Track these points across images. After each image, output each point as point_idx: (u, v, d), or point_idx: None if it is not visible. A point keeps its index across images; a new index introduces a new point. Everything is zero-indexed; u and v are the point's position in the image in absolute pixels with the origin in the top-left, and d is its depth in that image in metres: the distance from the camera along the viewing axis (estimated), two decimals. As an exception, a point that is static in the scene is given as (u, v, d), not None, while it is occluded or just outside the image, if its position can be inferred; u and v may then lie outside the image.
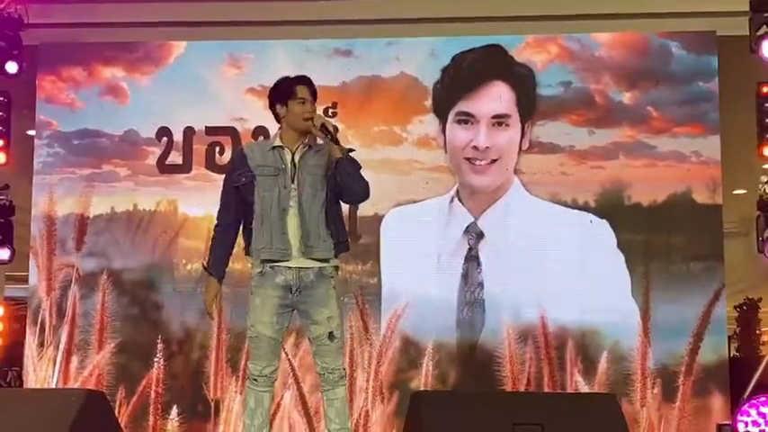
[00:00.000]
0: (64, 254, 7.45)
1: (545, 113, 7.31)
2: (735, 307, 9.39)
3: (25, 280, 7.55)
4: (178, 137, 7.48)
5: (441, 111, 7.30)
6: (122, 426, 5.86)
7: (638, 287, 7.06)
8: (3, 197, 7.03)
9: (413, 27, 7.45)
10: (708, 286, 7.03)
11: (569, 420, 4.41)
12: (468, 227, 7.20)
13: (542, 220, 7.17)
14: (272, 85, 4.61)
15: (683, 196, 7.16)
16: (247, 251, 4.53)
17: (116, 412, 6.79)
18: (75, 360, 7.32)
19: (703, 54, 7.27)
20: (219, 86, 7.51)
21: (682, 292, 7.05)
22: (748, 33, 6.43)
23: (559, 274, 7.04)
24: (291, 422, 7.11)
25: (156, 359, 7.24)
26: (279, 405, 7.03)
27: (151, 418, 7.20)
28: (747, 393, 6.49)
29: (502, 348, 7.06)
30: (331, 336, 4.40)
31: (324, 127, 4.39)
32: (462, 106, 7.25)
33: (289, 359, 6.95)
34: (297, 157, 4.47)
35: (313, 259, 4.41)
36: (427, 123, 7.36)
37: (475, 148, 7.20)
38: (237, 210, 4.51)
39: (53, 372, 7.30)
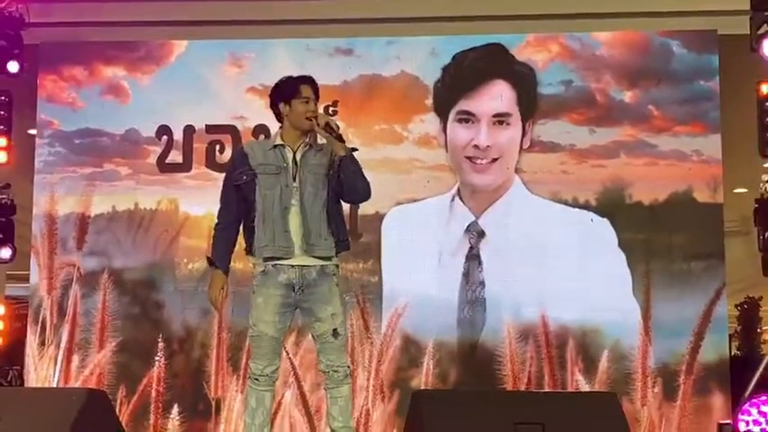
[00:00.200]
0: (65, 253, 7.46)
1: (546, 112, 7.31)
2: (736, 306, 9.41)
3: (26, 279, 7.56)
4: (178, 135, 7.48)
5: (441, 110, 7.30)
6: (123, 425, 5.85)
7: (639, 286, 7.06)
8: (4, 196, 7.04)
9: (413, 26, 7.46)
10: (709, 285, 7.03)
11: (570, 419, 4.41)
12: (468, 226, 7.20)
13: (543, 219, 7.17)
14: (273, 84, 4.61)
15: (683, 195, 7.16)
16: (248, 250, 4.53)
17: (117, 411, 6.78)
18: (76, 359, 7.33)
19: (704, 53, 7.27)
20: (220, 85, 7.52)
21: (683, 291, 7.05)
22: (749, 32, 6.42)
23: (560, 272, 7.04)
24: (292, 421, 7.12)
25: (156, 358, 7.24)
26: (280, 404, 7.03)
27: (152, 417, 7.20)
28: (748, 392, 6.49)
29: (502, 347, 7.06)
30: (335, 333, 4.41)
31: (328, 125, 4.40)
32: (463, 105, 7.25)
33: (290, 358, 6.95)
34: (298, 156, 4.48)
35: (315, 257, 4.41)
36: (428, 122, 7.36)
37: (476, 146, 7.20)
38: (238, 208, 4.52)
39: (54, 371, 7.30)
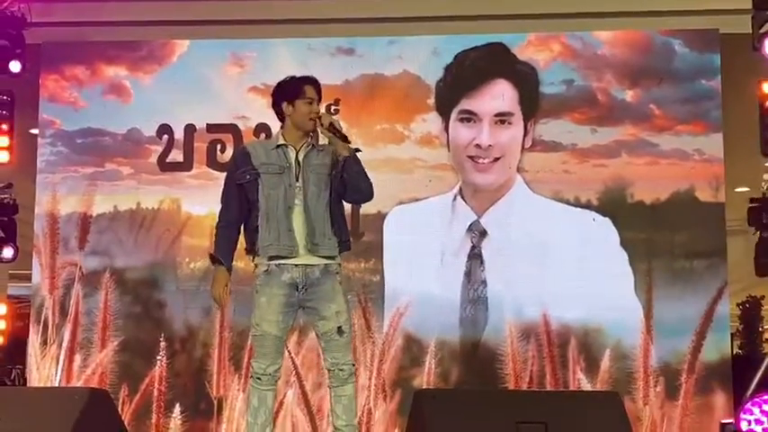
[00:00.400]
0: (67, 252, 7.46)
1: (548, 111, 7.31)
2: (737, 304, 9.40)
3: (28, 278, 7.57)
4: (179, 134, 7.49)
5: (443, 109, 7.31)
6: (125, 424, 5.86)
7: (641, 285, 7.06)
8: (6, 196, 7.04)
9: (415, 25, 7.46)
10: (710, 284, 7.04)
11: (573, 419, 4.41)
12: (471, 225, 7.20)
13: (545, 219, 7.17)
14: (276, 84, 4.61)
15: (685, 194, 7.16)
16: (249, 250, 4.53)
17: (119, 410, 6.78)
18: (78, 358, 7.33)
19: (706, 52, 7.26)
20: (222, 85, 7.52)
21: (684, 290, 7.06)
22: (751, 31, 6.42)
23: (562, 272, 7.05)
24: (294, 420, 7.12)
25: (158, 357, 7.24)
26: (282, 403, 7.04)
27: (154, 417, 7.21)
28: (750, 391, 6.48)
29: (504, 346, 7.06)
30: (340, 330, 4.42)
31: (332, 126, 4.41)
32: (465, 104, 7.25)
33: (291, 357, 6.96)
34: (301, 156, 4.49)
35: (319, 256, 4.42)
36: (430, 122, 7.36)
37: (478, 146, 7.20)
38: (240, 207, 4.52)
39: (56, 370, 7.31)
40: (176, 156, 7.50)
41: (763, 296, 9.53)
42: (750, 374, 6.75)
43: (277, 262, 4.41)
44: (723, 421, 6.62)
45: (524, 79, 7.26)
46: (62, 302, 7.38)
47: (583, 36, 7.39)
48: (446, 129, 7.30)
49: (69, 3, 7.46)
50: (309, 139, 4.54)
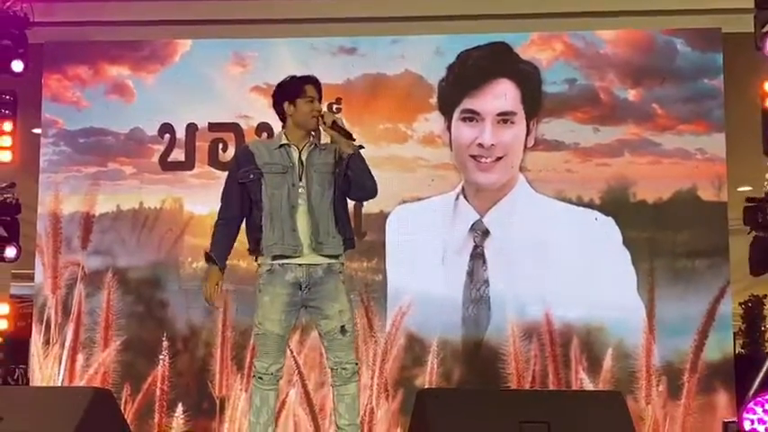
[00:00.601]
0: (69, 252, 7.46)
1: (550, 111, 7.30)
2: (740, 304, 9.41)
3: (31, 278, 7.57)
4: (180, 133, 7.49)
5: (446, 108, 7.30)
6: (128, 423, 5.86)
7: (644, 284, 7.06)
8: (9, 195, 7.03)
9: (418, 25, 7.45)
10: (713, 283, 7.04)
11: (575, 418, 4.41)
12: (473, 224, 7.20)
13: (547, 218, 7.17)
14: (276, 84, 4.62)
15: (688, 193, 7.16)
16: (252, 250, 4.53)
17: (122, 410, 6.80)
18: (80, 358, 7.33)
19: (708, 51, 7.26)
20: (224, 85, 7.52)
21: (687, 289, 7.05)
22: (753, 30, 6.41)
23: (564, 271, 7.04)
24: (296, 419, 7.12)
25: (161, 357, 7.25)
26: (284, 402, 7.04)
27: (156, 416, 7.21)
28: (753, 390, 6.47)
29: (507, 346, 7.06)
30: (343, 329, 4.43)
31: (335, 124, 4.42)
32: (468, 104, 7.25)
33: (294, 356, 6.96)
34: (304, 156, 4.50)
35: (323, 255, 4.42)
36: (432, 121, 7.36)
37: (480, 145, 7.20)
38: (242, 206, 4.53)
39: (59, 370, 7.31)
40: (178, 155, 7.50)
41: (766, 295, 9.54)
42: (752, 374, 6.74)
43: (281, 261, 4.42)
44: (726, 420, 6.62)
45: (527, 78, 7.26)
46: (65, 302, 7.39)
47: (585, 35, 7.39)
48: (449, 128, 7.30)
49: (72, 2, 7.47)
50: (311, 139, 4.55)
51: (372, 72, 7.42)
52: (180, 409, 7.20)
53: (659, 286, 7.06)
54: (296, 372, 7.06)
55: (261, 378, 4.44)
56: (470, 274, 7.16)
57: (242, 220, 4.56)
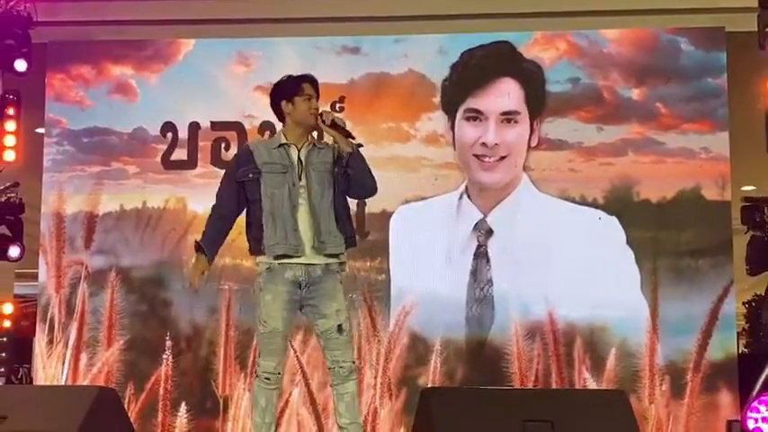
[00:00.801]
0: (73, 251, 7.47)
1: (554, 110, 7.30)
2: (744, 303, 9.37)
3: (35, 277, 7.57)
4: (183, 132, 7.49)
5: (449, 108, 7.30)
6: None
7: (647, 284, 7.05)
8: (13, 195, 7.04)
9: (421, 24, 7.46)
10: (716, 282, 7.03)
11: (579, 417, 4.40)
12: (476, 224, 7.20)
13: (551, 217, 7.16)
14: (274, 84, 4.63)
15: (691, 192, 7.15)
16: (253, 249, 4.52)
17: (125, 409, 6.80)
18: (84, 357, 7.34)
19: (712, 50, 7.25)
20: (228, 84, 7.52)
21: (690, 289, 7.05)
22: (757, 29, 6.41)
23: (568, 270, 7.04)
24: (300, 419, 7.12)
25: (164, 356, 7.25)
26: (287, 402, 7.05)
27: (160, 415, 7.22)
28: (757, 390, 6.47)
29: (510, 345, 7.06)
30: (340, 328, 4.44)
31: (334, 122, 4.42)
32: (471, 103, 7.24)
33: (297, 356, 6.96)
34: (303, 155, 4.51)
35: (325, 255, 4.44)
36: (435, 120, 7.36)
37: (484, 144, 7.20)
38: (238, 204, 4.54)
39: (62, 369, 7.32)
40: (180, 154, 7.50)
41: (769, 295, 9.50)
42: (756, 373, 6.74)
43: (282, 261, 4.42)
44: (729, 419, 6.61)
45: (530, 78, 7.26)
46: (68, 301, 7.39)
47: (589, 34, 7.38)
48: (452, 127, 7.29)
49: (75, 2, 7.47)
50: (310, 138, 4.57)
51: (376, 71, 7.42)
52: (183, 408, 7.20)
53: (663, 286, 7.05)
54: (299, 371, 7.06)
55: (268, 378, 4.42)
56: (474, 273, 7.16)
57: (235, 218, 4.59)
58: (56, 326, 7.37)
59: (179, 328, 7.32)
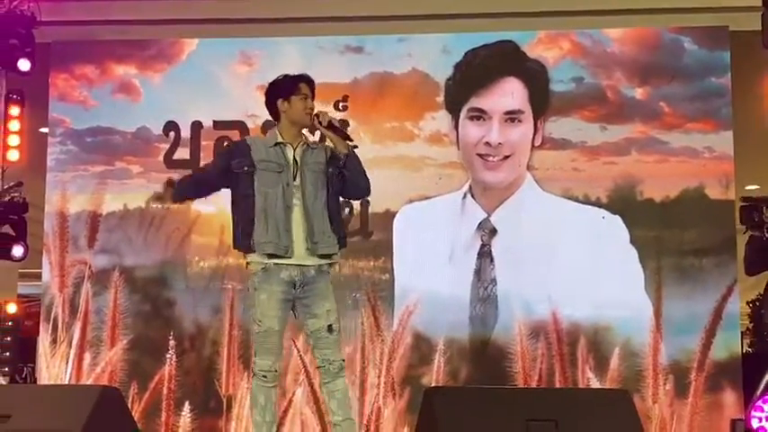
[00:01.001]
0: (76, 251, 7.47)
1: (557, 109, 7.30)
2: (747, 302, 9.36)
3: (38, 277, 7.58)
4: (185, 132, 7.49)
5: (453, 107, 7.30)
6: (135, 422, 5.87)
7: (651, 283, 7.05)
8: (16, 194, 7.05)
9: (424, 23, 7.46)
10: (720, 282, 7.03)
11: (583, 417, 4.39)
12: (480, 223, 7.20)
13: (555, 217, 7.16)
14: (269, 83, 4.63)
15: (695, 192, 7.15)
16: (243, 244, 4.49)
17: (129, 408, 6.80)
18: (87, 357, 7.35)
19: (716, 49, 7.25)
20: (231, 84, 7.53)
21: (694, 288, 7.05)
22: (761, 28, 6.40)
23: (572, 270, 7.04)
24: (303, 419, 7.12)
25: (168, 355, 7.26)
26: (290, 402, 7.05)
27: (163, 415, 7.22)
28: (761, 389, 6.46)
29: (514, 344, 7.06)
30: (330, 328, 4.47)
31: (331, 123, 4.43)
32: (475, 102, 7.24)
33: (300, 356, 6.96)
34: (298, 155, 4.51)
35: (319, 256, 4.45)
36: (439, 119, 7.36)
37: (487, 144, 7.20)
38: (217, 183, 4.60)
39: (66, 368, 7.32)
40: (183, 153, 7.51)
41: (773, 294, 9.49)
42: (760, 372, 6.73)
43: (275, 261, 4.43)
44: (733, 418, 6.60)
45: (534, 77, 7.26)
46: (72, 301, 7.40)
47: (592, 34, 7.38)
48: (456, 127, 7.29)
49: (79, 2, 7.49)
50: (303, 138, 4.58)
51: (379, 71, 7.42)
52: (187, 407, 7.21)
53: (666, 285, 7.05)
54: (302, 371, 7.06)
55: (265, 376, 4.43)
56: (478, 272, 7.16)
57: (207, 193, 4.70)
58: (59, 325, 7.37)
59: (182, 328, 7.33)
